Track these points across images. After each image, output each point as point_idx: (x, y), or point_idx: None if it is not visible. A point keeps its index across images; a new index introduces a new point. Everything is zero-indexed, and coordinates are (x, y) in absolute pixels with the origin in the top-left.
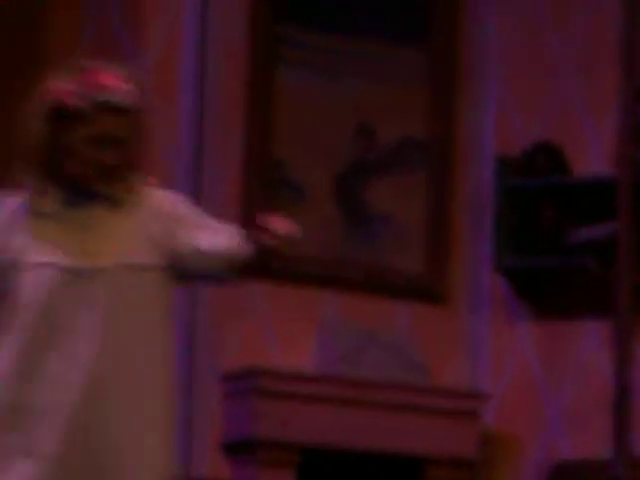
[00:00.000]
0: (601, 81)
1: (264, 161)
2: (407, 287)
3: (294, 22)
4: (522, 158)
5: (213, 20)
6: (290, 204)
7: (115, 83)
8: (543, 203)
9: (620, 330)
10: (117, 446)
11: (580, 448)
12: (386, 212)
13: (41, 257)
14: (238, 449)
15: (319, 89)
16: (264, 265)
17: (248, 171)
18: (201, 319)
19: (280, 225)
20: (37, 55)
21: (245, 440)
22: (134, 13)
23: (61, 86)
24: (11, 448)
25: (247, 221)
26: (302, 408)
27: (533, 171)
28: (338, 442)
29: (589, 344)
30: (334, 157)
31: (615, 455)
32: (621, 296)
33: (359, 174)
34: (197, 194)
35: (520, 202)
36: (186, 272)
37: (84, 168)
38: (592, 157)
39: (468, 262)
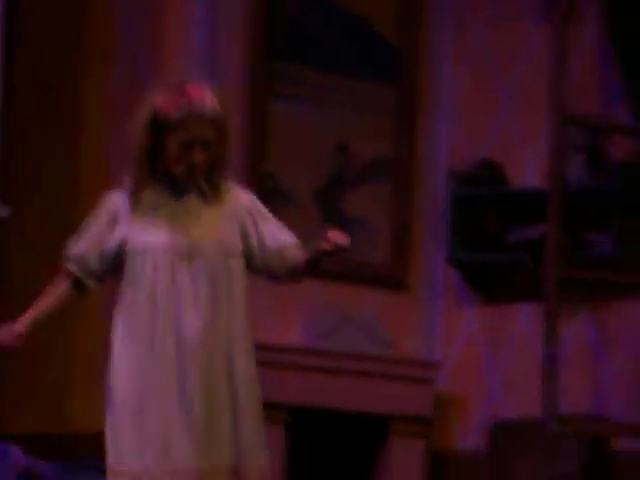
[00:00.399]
0: (535, 111)
1: (259, 174)
2: (376, 277)
3: (287, 59)
4: (470, 173)
5: (218, 56)
6: (280, 209)
7: (202, 96)
8: (487, 209)
9: (548, 312)
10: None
11: (517, 408)
12: (359, 216)
13: (149, 240)
14: None
15: (306, 116)
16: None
17: (248, 182)
18: None
19: (339, 237)
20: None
21: None
22: (156, 57)
23: (159, 100)
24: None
25: None
26: (291, 375)
27: (479, 183)
28: (321, 404)
29: (523, 323)
30: (317, 171)
31: (546, 413)
32: (548, 285)
33: (337, 185)
34: None
35: (468, 208)
36: (253, 264)
37: (177, 167)
38: (527, 172)
39: (426, 257)
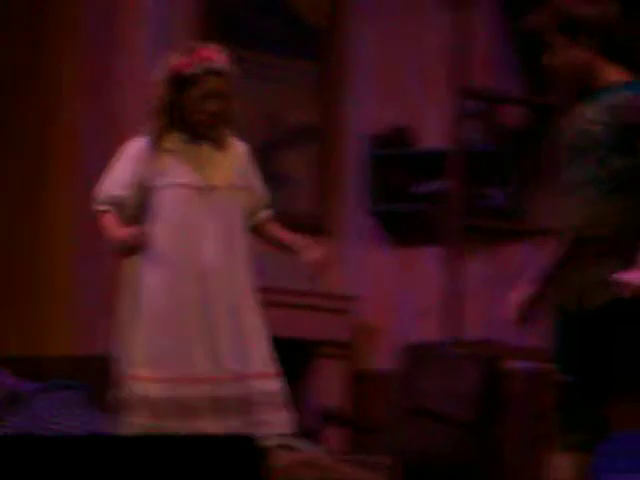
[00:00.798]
0: (439, 82)
1: None
2: (305, 223)
3: (226, 40)
4: (384, 136)
5: (168, 37)
6: None
7: (215, 55)
8: (398, 166)
9: (450, 253)
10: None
11: (424, 334)
12: (288, 173)
13: (172, 179)
14: None
15: (242, 90)
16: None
17: None
18: None
19: (319, 257)
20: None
21: None
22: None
23: (177, 60)
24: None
25: None
26: None
27: (391, 145)
28: None
29: (429, 263)
30: (250, 137)
31: (447, 338)
32: (451, 230)
33: (271, 148)
34: None
35: (382, 166)
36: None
37: (198, 116)
38: (431, 135)
39: (348, 207)
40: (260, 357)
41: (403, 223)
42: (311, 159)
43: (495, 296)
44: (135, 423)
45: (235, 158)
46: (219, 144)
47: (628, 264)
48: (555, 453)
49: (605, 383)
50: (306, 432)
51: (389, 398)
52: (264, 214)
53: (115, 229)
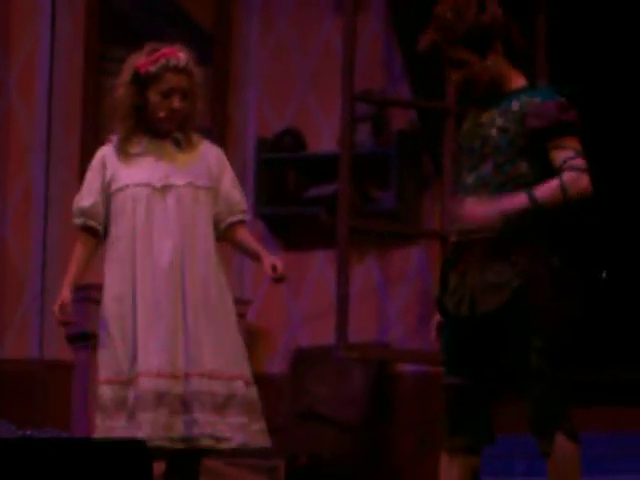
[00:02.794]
0: (329, 87)
1: (97, 138)
2: None
3: (116, 45)
4: (274, 139)
5: (59, 41)
6: None
7: (175, 52)
8: (288, 170)
9: (340, 257)
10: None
11: (314, 338)
12: None
13: (131, 180)
14: (77, 339)
15: None
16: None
17: (85, 146)
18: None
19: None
20: None
21: (83, 333)
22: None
23: (137, 61)
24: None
25: None
26: None
27: (282, 148)
28: None
29: (319, 266)
30: None
31: (337, 342)
32: (340, 234)
33: None
34: (47, 170)
35: (272, 170)
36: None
37: (160, 114)
38: (323, 139)
39: None
40: (212, 356)
41: (293, 227)
42: None
43: (385, 299)
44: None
45: (201, 159)
46: (184, 144)
47: (514, 267)
48: (442, 456)
49: (493, 386)
50: None
51: (280, 401)
52: (234, 218)
53: (67, 276)
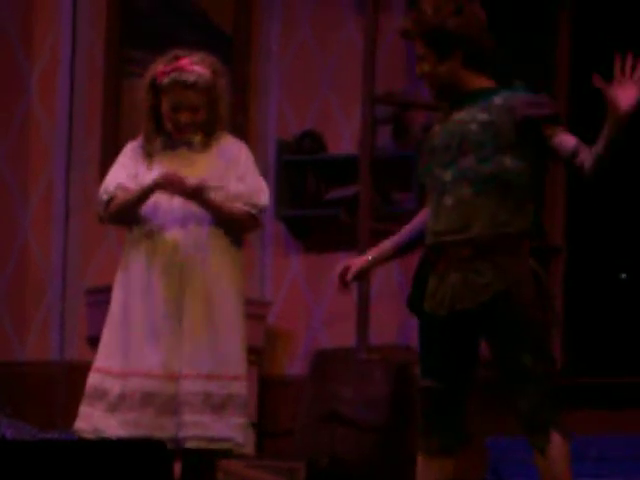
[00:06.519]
0: (350, 89)
1: (117, 140)
2: None
3: (138, 48)
4: (295, 141)
5: (81, 44)
6: None
7: (189, 66)
8: (308, 172)
9: None
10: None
11: (335, 340)
12: None
13: (148, 180)
14: (98, 341)
15: None
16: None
17: (105, 148)
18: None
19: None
20: None
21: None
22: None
23: (158, 68)
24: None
25: None
26: None
27: (302, 150)
28: None
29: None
30: None
31: (358, 343)
32: (362, 236)
33: None
34: (68, 170)
35: (293, 172)
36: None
37: (169, 125)
38: (343, 141)
39: None
40: (210, 356)
41: (314, 228)
42: None
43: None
44: (90, 414)
45: (216, 158)
46: (200, 147)
47: (497, 268)
48: (419, 457)
49: (469, 386)
50: None
51: (300, 403)
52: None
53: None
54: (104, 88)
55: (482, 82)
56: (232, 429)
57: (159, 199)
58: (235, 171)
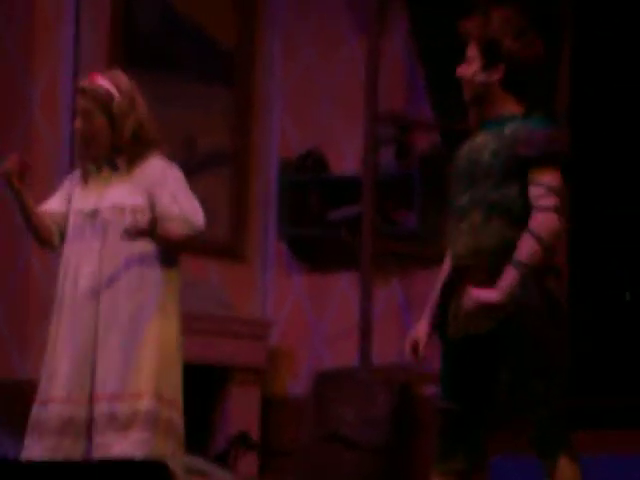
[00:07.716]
0: (352, 109)
1: None
2: (219, 251)
3: (141, 67)
4: (297, 161)
5: (83, 61)
6: None
7: (94, 78)
8: (311, 192)
9: (363, 279)
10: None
11: (337, 360)
12: (202, 199)
13: (72, 205)
14: None
15: (157, 114)
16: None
17: None
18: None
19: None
20: None
21: None
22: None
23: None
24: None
25: None
26: None
27: (305, 170)
28: None
29: (342, 288)
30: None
31: (360, 363)
32: (364, 256)
33: (185, 173)
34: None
35: (296, 191)
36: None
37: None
38: (345, 160)
39: (260, 233)
40: (118, 377)
41: (316, 248)
42: (226, 184)
43: (408, 321)
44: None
45: (138, 178)
46: (122, 169)
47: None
48: (434, 479)
49: (487, 409)
50: (217, 456)
51: (302, 423)
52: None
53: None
54: None
55: (511, 106)
56: (134, 446)
57: (82, 232)
58: (162, 190)
